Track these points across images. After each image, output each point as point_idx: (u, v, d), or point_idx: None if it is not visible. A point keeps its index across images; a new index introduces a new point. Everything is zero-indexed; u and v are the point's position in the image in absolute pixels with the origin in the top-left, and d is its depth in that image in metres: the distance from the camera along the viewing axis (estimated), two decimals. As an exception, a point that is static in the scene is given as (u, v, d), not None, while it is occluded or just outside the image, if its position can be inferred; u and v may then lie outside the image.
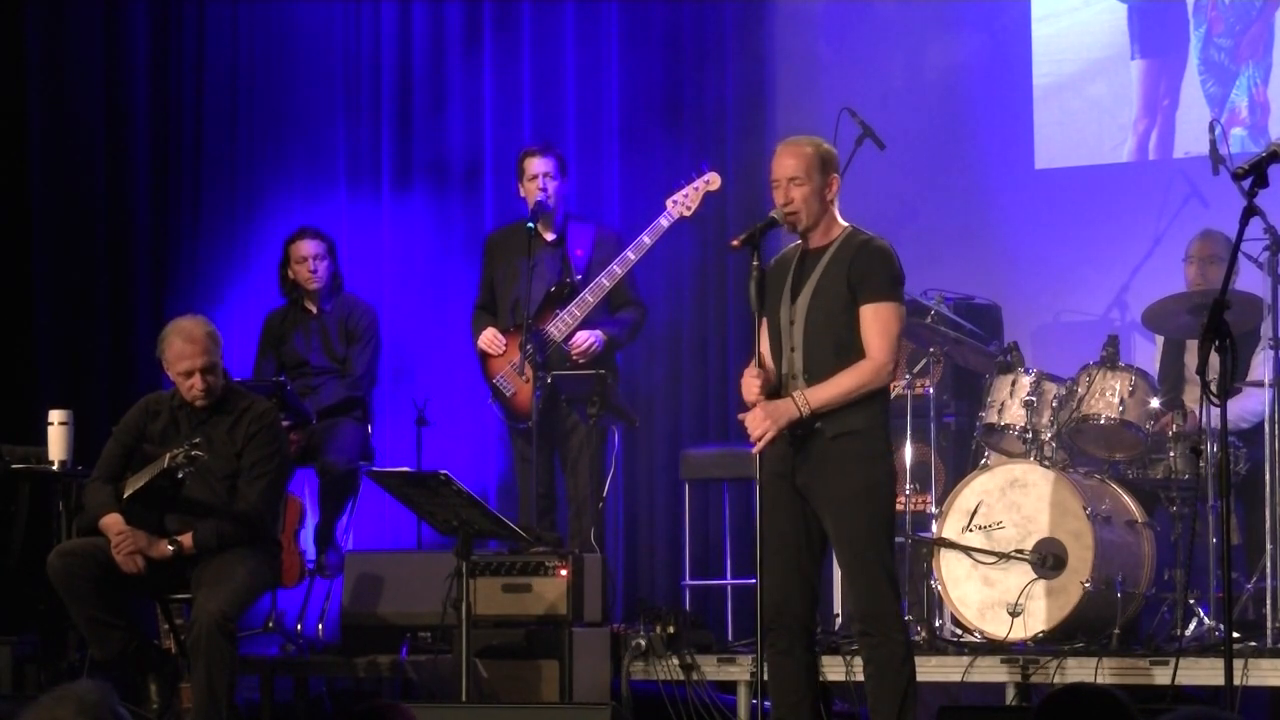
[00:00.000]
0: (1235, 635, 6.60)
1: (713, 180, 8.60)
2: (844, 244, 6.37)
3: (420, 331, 10.34)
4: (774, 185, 6.38)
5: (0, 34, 10.25)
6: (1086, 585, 7.53)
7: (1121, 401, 7.83)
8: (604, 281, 8.52)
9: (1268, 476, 7.39)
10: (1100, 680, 7.10)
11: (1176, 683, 6.96)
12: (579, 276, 8.61)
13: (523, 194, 8.73)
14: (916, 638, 7.73)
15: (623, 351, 8.91)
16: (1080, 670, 7.26)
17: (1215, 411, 5.83)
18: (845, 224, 6.43)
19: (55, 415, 8.39)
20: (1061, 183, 9.75)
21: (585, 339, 8.49)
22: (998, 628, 7.64)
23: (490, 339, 8.66)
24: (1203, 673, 7.10)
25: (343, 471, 8.82)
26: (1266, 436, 7.40)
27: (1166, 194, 9.36)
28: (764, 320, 6.34)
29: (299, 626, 8.87)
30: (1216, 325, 5.64)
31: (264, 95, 10.81)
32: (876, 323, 6.29)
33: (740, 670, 7.82)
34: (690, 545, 9.27)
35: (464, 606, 7.12)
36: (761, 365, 6.33)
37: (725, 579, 9.22)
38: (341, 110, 10.74)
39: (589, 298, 8.51)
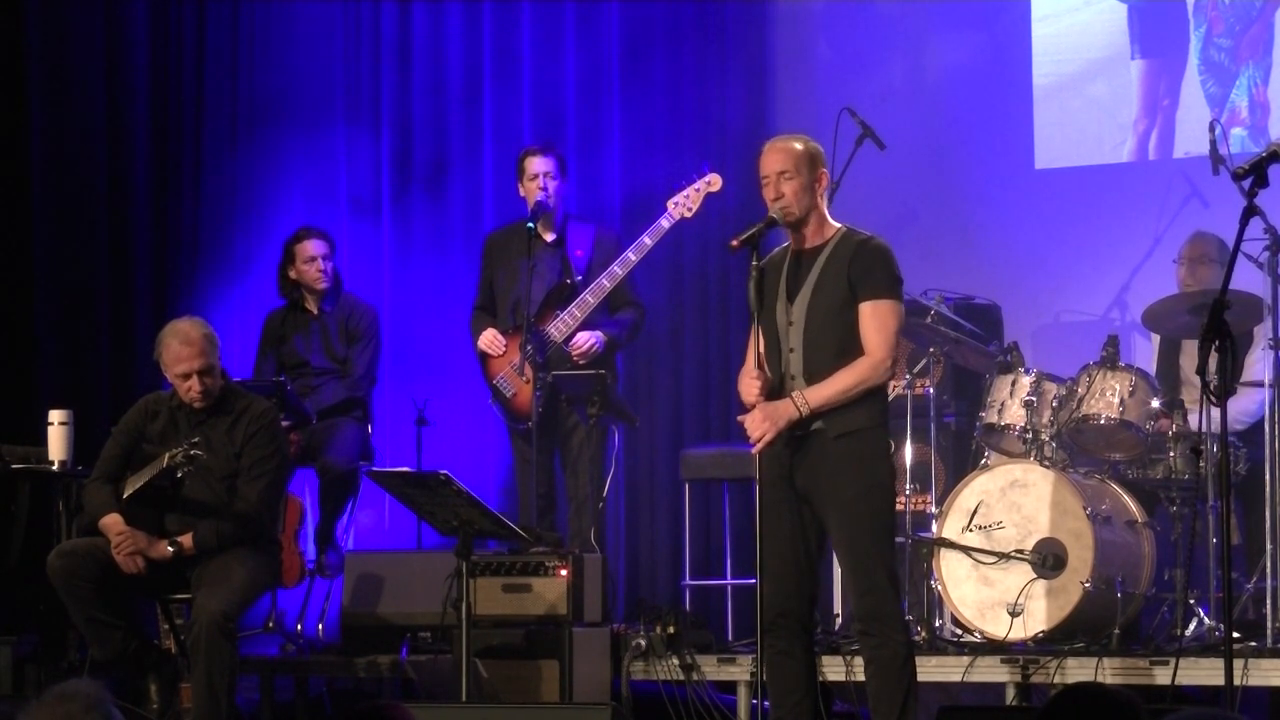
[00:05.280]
0: (1235, 635, 6.61)
1: (714, 181, 8.60)
2: (841, 243, 6.38)
3: (420, 331, 10.33)
4: (763, 182, 6.39)
5: (1, 34, 10.25)
6: (1086, 585, 7.53)
7: (1121, 401, 7.82)
8: (604, 282, 8.52)
9: (1268, 476, 7.39)
10: (1100, 681, 7.10)
11: (1176, 683, 6.95)
12: (579, 277, 8.61)
13: (523, 194, 8.72)
14: (916, 638, 7.73)
15: (623, 352, 8.91)
16: (1080, 670, 7.25)
17: (1214, 412, 5.81)
18: (838, 224, 6.44)
19: (55, 415, 8.39)
20: (1061, 183, 9.75)
21: (585, 340, 8.49)
22: (998, 628, 7.64)
23: (490, 340, 8.65)
24: (1203, 673, 7.09)
25: (343, 471, 8.81)
26: (1266, 436, 7.40)
27: (1166, 194, 9.36)
28: (759, 322, 6.34)
29: (299, 626, 8.87)
30: (1217, 325, 5.64)
31: (264, 95, 10.80)
32: (875, 320, 6.30)
33: (740, 670, 7.82)
34: (690, 545, 9.28)
35: (464, 606, 7.12)
36: (761, 366, 6.33)
37: (725, 579, 9.22)
38: (341, 110, 10.74)
39: (589, 298, 8.51)
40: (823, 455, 6.29)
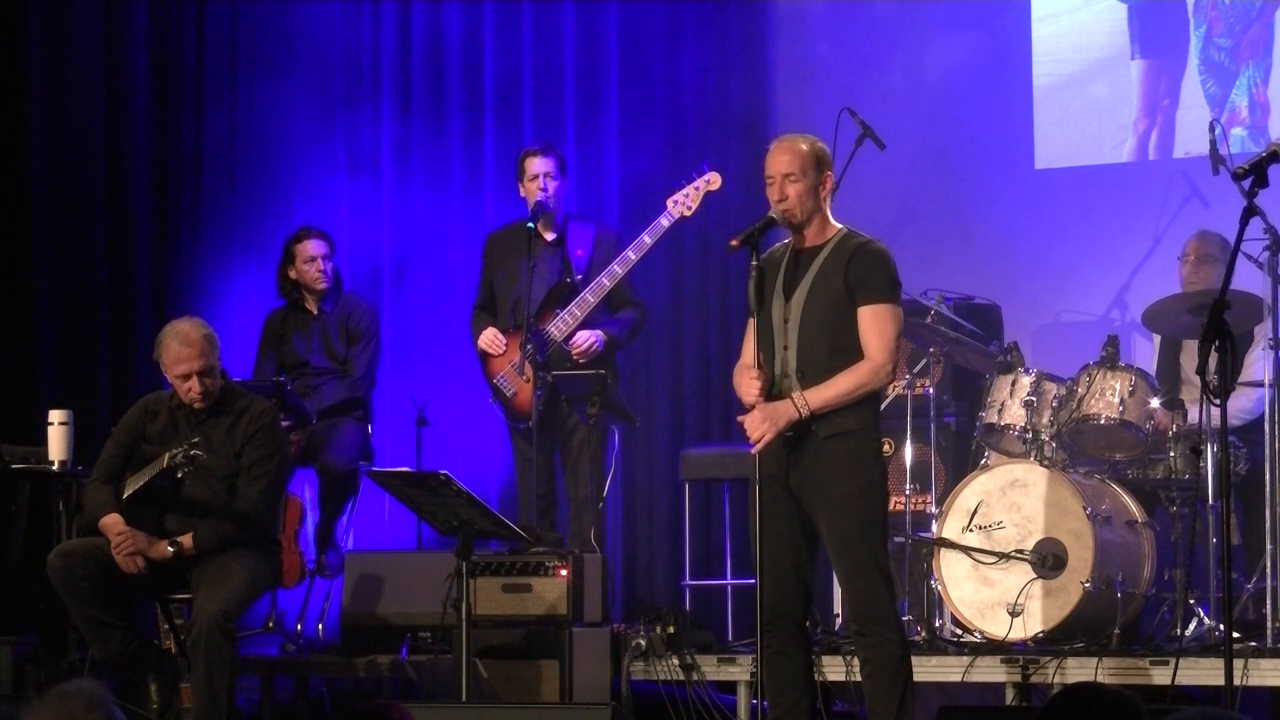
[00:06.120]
0: (1235, 635, 6.60)
1: (713, 180, 8.60)
2: (840, 245, 6.37)
3: (420, 331, 10.34)
4: (768, 182, 6.38)
5: (1, 34, 10.24)
6: (1086, 585, 7.53)
7: (1121, 401, 7.82)
8: (604, 281, 8.52)
9: (1268, 476, 7.39)
10: (1100, 681, 7.10)
11: (1176, 683, 6.96)
12: (579, 276, 8.61)
13: (523, 194, 8.73)
14: (916, 638, 7.73)
15: (623, 351, 8.91)
16: (1080, 670, 7.25)
17: (1214, 411, 5.81)
18: (839, 225, 6.43)
19: (55, 415, 8.39)
20: (1061, 183, 9.76)
21: (586, 339, 8.49)
22: (997, 628, 7.64)
23: (491, 339, 8.65)
24: (1203, 673, 7.10)
25: (343, 471, 8.82)
26: (1266, 436, 7.40)
27: (1166, 194, 9.36)
28: (755, 321, 6.33)
29: (299, 626, 8.87)
30: (1217, 325, 5.64)
31: (264, 93, 10.80)
32: (875, 324, 6.29)
33: (740, 670, 7.81)
34: (690, 545, 9.28)
35: (464, 606, 7.12)
36: (759, 365, 6.33)
37: (725, 579, 9.22)
38: (342, 109, 10.74)
39: (589, 297, 8.51)
40: (815, 456, 6.29)
